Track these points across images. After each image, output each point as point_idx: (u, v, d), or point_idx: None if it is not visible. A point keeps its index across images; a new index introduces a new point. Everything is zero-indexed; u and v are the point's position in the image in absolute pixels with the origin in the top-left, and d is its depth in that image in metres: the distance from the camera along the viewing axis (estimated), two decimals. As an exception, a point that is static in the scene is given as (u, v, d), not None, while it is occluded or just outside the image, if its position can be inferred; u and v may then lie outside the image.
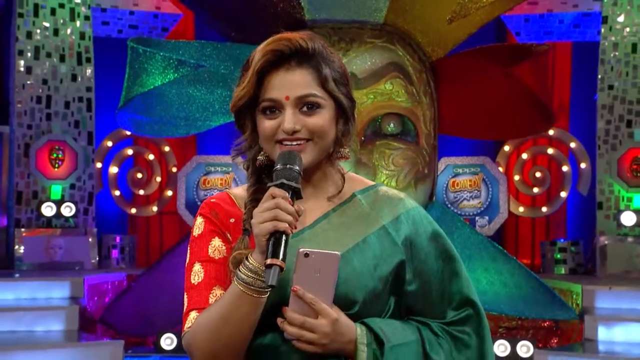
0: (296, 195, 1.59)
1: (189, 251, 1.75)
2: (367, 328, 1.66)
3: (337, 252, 1.61)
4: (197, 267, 1.71)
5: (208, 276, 1.69)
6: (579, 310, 6.06)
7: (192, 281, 1.70)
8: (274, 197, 1.56)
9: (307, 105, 1.67)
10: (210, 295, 1.67)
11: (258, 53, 1.67)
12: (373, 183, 1.82)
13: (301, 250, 1.59)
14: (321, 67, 1.68)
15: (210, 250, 1.71)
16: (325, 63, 1.69)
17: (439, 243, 1.76)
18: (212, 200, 1.78)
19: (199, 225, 1.75)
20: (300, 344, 1.61)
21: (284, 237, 1.55)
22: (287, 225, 1.55)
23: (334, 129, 1.70)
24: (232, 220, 1.73)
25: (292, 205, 1.57)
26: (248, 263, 1.59)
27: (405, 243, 1.73)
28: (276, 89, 1.66)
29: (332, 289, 1.61)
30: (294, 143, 1.66)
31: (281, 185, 1.58)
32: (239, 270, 1.60)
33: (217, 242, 1.72)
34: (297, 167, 1.61)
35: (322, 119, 1.67)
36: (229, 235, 1.72)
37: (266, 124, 1.68)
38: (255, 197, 1.69)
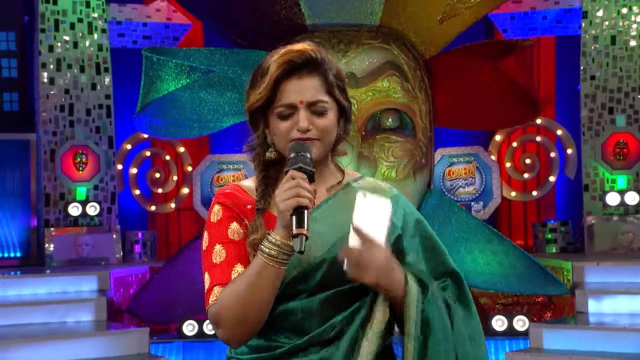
0: (310, 178, 1.67)
1: (207, 236, 1.79)
2: (412, 275, 1.76)
3: (388, 199, 1.71)
4: (218, 247, 1.76)
5: (229, 255, 1.75)
6: (570, 286, 6.05)
7: (214, 260, 1.76)
8: (293, 179, 1.64)
9: (316, 108, 1.76)
10: (233, 272, 1.74)
11: (274, 63, 1.76)
12: (360, 175, 1.92)
13: (360, 192, 1.70)
14: (327, 75, 1.79)
15: (229, 233, 1.77)
16: (329, 70, 1.78)
17: (421, 225, 1.87)
18: (226, 190, 1.84)
19: (216, 212, 1.80)
20: (357, 273, 1.67)
21: (305, 212, 1.62)
22: (308, 200, 1.63)
23: (336, 128, 1.80)
24: (249, 206, 1.80)
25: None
26: (271, 238, 1.66)
27: (401, 220, 1.83)
28: (291, 94, 1.76)
29: (387, 232, 1.69)
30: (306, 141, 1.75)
31: (299, 169, 1.66)
32: (263, 245, 1.67)
33: (235, 226, 1.78)
34: (309, 155, 1.70)
35: (329, 120, 1.78)
36: (246, 221, 1.78)
37: (282, 125, 1.77)
38: (265, 182, 1.80)
